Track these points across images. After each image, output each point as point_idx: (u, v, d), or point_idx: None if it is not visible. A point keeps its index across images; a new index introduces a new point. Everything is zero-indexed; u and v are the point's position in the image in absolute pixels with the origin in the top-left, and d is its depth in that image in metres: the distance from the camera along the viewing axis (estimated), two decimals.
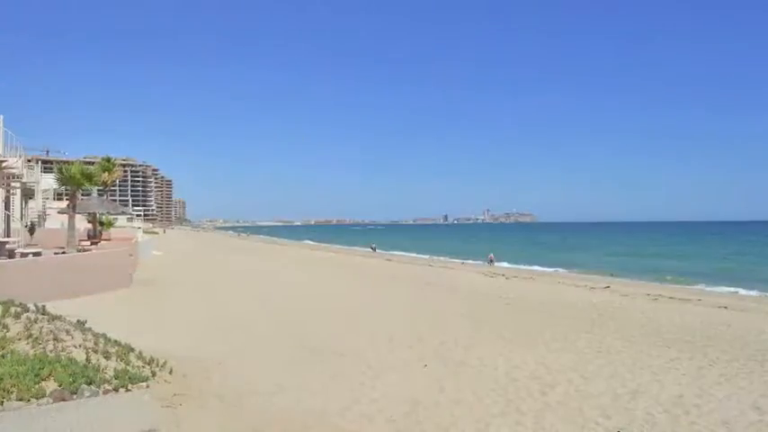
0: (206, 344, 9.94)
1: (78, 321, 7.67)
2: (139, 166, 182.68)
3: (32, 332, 6.43)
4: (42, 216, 33.81)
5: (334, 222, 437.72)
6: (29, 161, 28.86)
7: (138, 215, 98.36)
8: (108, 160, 34.93)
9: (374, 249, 57.24)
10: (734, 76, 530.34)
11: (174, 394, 5.89)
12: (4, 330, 6.37)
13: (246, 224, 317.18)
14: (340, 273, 27.77)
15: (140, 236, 36.83)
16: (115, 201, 62.30)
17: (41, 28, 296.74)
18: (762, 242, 75.49)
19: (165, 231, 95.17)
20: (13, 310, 7.23)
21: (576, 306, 16.17)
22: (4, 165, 18.60)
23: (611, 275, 30.57)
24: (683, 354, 9.92)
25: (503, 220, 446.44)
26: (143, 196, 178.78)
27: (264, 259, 38.61)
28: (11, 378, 4.81)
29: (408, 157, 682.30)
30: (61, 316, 7.69)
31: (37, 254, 15.93)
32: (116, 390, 5.24)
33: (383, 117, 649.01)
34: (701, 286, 25.69)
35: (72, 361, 5.63)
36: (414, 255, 51.23)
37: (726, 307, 16.55)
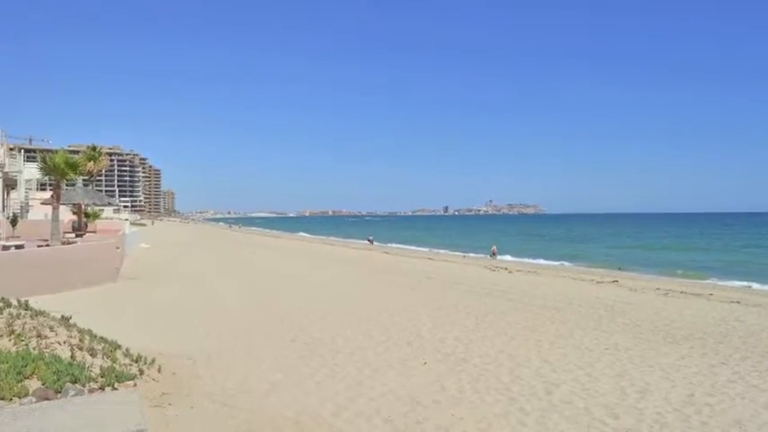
0: (195, 340, 9.80)
1: (63, 317, 7.56)
2: (127, 154, 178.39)
3: (15, 328, 6.33)
4: (25, 207, 33.36)
5: (330, 214, 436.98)
6: (11, 150, 28.39)
7: (125, 206, 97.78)
8: (93, 149, 34.58)
9: (371, 242, 57.06)
10: (736, 64, 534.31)
11: (163, 393, 5.89)
12: None
13: (238, 215, 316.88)
14: (336, 267, 27.54)
15: (127, 228, 36.26)
16: (101, 191, 61.84)
17: (26, 13, 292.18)
18: None
19: (153, 223, 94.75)
20: None
21: (583, 301, 15.95)
22: None
23: (619, 269, 30.19)
24: (695, 351, 9.80)
25: (506, 211, 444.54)
26: (130, 186, 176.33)
27: (256, 252, 38.40)
28: None
29: (407, 145, 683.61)
30: (45, 311, 7.57)
31: (19, 246, 15.68)
32: (102, 388, 5.17)
33: (381, 105, 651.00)
34: (712, 280, 25.59)
35: (56, 358, 5.53)
36: (413, 247, 50.65)
37: (738, 302, 16.35)
